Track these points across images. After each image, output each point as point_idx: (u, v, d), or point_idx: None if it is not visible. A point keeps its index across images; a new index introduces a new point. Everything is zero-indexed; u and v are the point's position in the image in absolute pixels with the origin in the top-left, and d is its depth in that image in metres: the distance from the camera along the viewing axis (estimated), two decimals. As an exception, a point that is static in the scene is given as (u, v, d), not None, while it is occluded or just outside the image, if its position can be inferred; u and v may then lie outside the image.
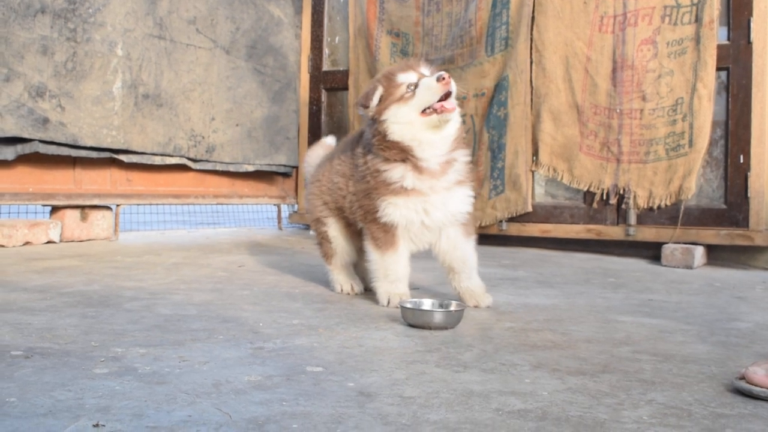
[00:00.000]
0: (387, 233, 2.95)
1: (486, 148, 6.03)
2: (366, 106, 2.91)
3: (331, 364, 2.02)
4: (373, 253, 3.01)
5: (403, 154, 2.87)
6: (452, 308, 2.65)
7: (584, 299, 3.40)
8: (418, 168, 2.87)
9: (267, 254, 4.94)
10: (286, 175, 7.11)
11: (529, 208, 5.84)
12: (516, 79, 5.88)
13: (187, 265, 4.31)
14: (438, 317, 2.56)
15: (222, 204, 6.63)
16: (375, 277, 3.04)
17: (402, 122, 2.85)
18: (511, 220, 5.95)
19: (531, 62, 5.86)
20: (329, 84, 7.08)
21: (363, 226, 3.05)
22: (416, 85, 2.86)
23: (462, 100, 6.13)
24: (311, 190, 3.40)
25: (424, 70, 2.94)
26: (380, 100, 2.90)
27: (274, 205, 7.24)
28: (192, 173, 6.25)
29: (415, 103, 2.84)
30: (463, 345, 2.33)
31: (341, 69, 7.04)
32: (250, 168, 6.58)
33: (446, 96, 2.82)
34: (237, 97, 6.39)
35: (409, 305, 2.64)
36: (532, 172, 5.90)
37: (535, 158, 5.85)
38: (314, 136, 7.03)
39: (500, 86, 5.97)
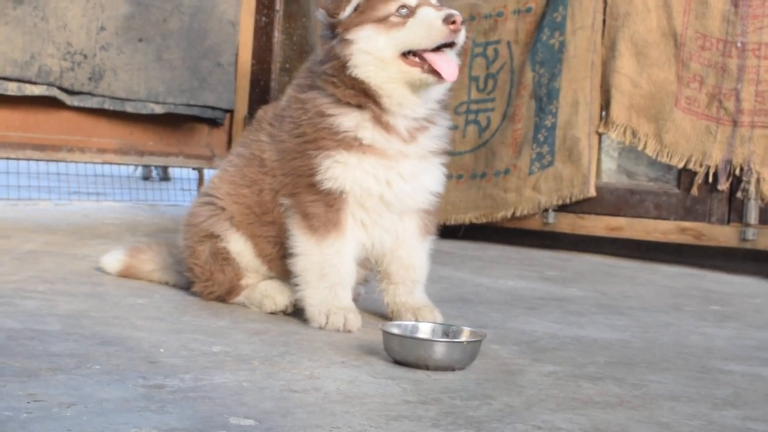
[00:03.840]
0: (329, 208, 3.02)
1: (528, 95, 6.03)
2: (334, 14, 2.97)
3: (269, 416, 2.00)
4: (302, 242, 3.06)
5: (363, 98, 2.98)
6: (463, 337, 2.63)
7: (671, 335, 3.40)
8: (381, 121, 2.99)
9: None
10: (214, 122, 7.08)
11: (592, 192, 5.85)
12: (580, -13, 5.88)
13: (50, 255, 4.27)
14: (441, 350, 2.54)
15: (112, 164, 6.59)
16: (303, 282, 3.09)
17: (372, 56, 2.95)
18: (562, 208, 5.97)
19: (606, -40, 5.85)
20: (289, -17, 7.06)
21: (288, 204, 3.10)
22: (412, 12, 2.93)
23: (495, 18, 6.12)
24: (196, 205, 3.48)
25: None
26: (356, 11, 2.96)
27: (194, 168, 7.21)
28: (66, 112, 6.20)
29: (400, 36, 2.92)
30: (477, 395, 2.31)
31: (309, -40, 7.02)
32: (159, 109, 6.54)
33: (447, 45, 2.92)
34: (142, -3, 6.35)
35: (395, 330, 2.63)
36: (599, 135, 5.91)
37: (604, 114, 5.85)
38: (261, 64, 6.99)
39: (555, -2, 5.96)
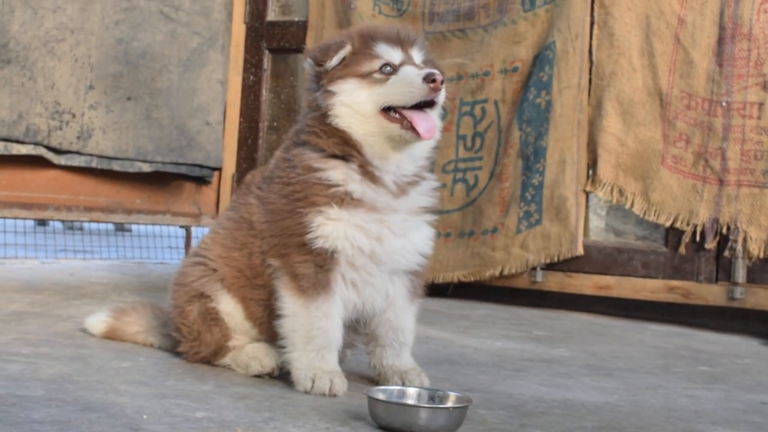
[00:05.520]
0: (319, 268, 3.01)
1: (515, 154, 6.04)
2: (320, 63, 3.03)
3: (250, 487, 1.98)
4: (290, 304, 3.05)
5: (347, 148, 3.01)
6: (449, 403, 2.62)
7: (659, 397, 3.39)
8: (368, 173, 3.02)
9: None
10: (202, 180, 7.09)
11: (580, 250, 5.85)
12: (567, 48, 5.92)
13: (35, 315, 4.25)
14: (426, 416, 2.52)
15: (99, 222, 6.58)
16: (290, 344, 3.07)
17: (353, 109, 3.00)
18: (550, 267, 5.96)
19: (591, 23, 5.90)
20: (276, 42, 7.09)
21: (277, 266, 3.09)
22: (395, 70, 2.99)
23: (482, 78, 6.16)
24: (187, 264, 3.47)
25: (416, 52, 3.07)
26: (341, 63, 3.02)
27: (181, 227, 7.20)
28: (54, 171, 6.21)
29: (381, 92, 2.98)
30: (464, 463, 2.30)
31: (296, 20, 7.07)
32: (147, 168, 6.55)
33: (426, 104, 2.96)
34: (131, 55, 6.37)
35: (381, 395, 2.61)
36: (587, 193, 5.93)
37: (591, 173, 5.87)
38: (249, 122, 7.02)
39: (542, 58, 6.00)
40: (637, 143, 5.74)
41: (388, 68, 2.98)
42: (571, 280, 5.94)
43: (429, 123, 2.95)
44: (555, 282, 5.96)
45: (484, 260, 6.10)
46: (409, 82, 2.93)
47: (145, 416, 2.53)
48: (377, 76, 2.98)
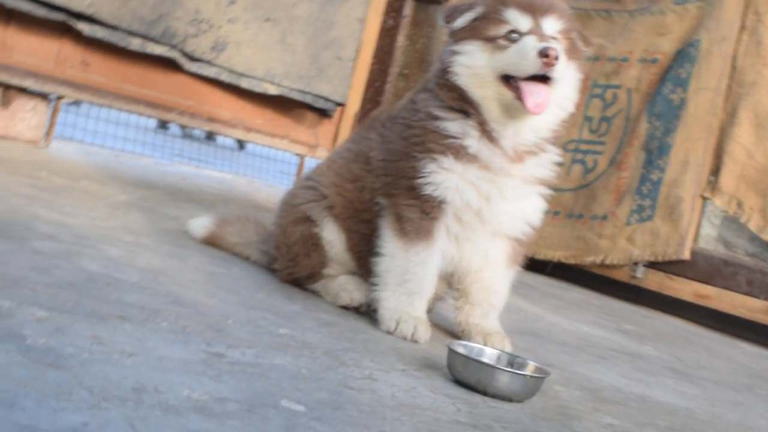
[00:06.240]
0: (424, 215, 3.03)
1: (639, 146, 5.96)
2: (448, 21, 3.04)
3: (319, 406, 2.00)
4: (390, 244, 3.07)
5: (466, 105, 3.00)
6: (527, 371, 2.62)
7: (738, 414, 3.33)
8: (486, 132, 3.00)
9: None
10: (324, 113, 7.12)
11: (686, 255, 5.77)
12: (712, 48, 5.80)
13: (142, 210, 4.35)
14: (503, 379, 2.52)
15: (218, 133, 6.67)
16: (382, 283, 3.10)
17: (472, 71, 2.99)
18: (652, 265, 5.89)
19: (741, 27, 5.76)
20: (423, -10, 7.08)
21: (384, 204, 3.11)
22: (519, 38, 2.93)
23: (620, 63, 6.07)
24: (299, 186, 3.53)
25: (550, 22, 2.99)
26: (469, 24, 3.01)
27: (296, 154, 7.26)
28: (183, 77, 6.29)
29: (500, 59, 2.95)
30: (528, 431, 2.30)
31: (446, -29, 7.04)
32: (273, 90, 6.61)
33: (540, 79, 2.88)
34: (278, -22, 6.42)
35: (461, 350, 2.62)
36: (704, 199, 5.82)
37: (713, 179, 5.77)
38: (381, 65, 7.02)
39: (684, 54, 5.89)
40: (766, 158, 5.61)
41: (515, 35, 2.93)
42: (671, 282, 5.86)
43: (540, 98, 2.88)
44: (654, 281, 5.89)
45: (588, 245, 6.06)
46: (523, 54, 2.89)
47: (230, 321, 2.58)
48: (501, 42, 2.94)
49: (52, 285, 2.43)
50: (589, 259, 6.05)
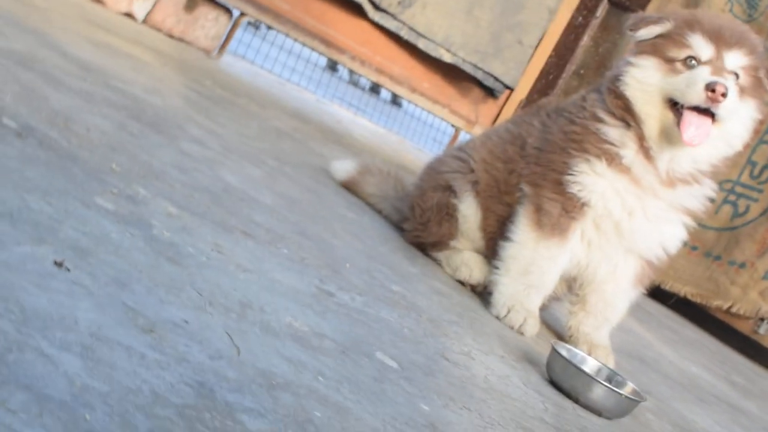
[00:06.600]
0: (564, 212, 3.00)
1: (796, 202, 5.79)
2: (632, 30, 2.99)
3: (412, 367, 2.02)
4: (522, 232, 3.06)
5: (629, 115, 2.95)
6: (624, 390, 2.58)
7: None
8: (643, 147, 2.94)
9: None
10: (491, 92, 7.10)
11: (816, 323, 5.58)
12: None
13: (291, 138, 4.42)
14: (599, 393, 2.49)
15: (383, 86, 6.71)
16: (504, 268, 3.09)
17: (640, 86, 2.93)
18: (780, 325, 5.72)
19: None
20: (620, -5, 6.98)
21: (526, 192, 3.10)
22: (694, 65, 2.85)
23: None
24: (448, 154, 3.54)
25: (734, 56, 2.87)
26: (652, 39, 2.94)
27: (453, 126, 7.27)
28: (364, 24, 6.35)
29: (670, 82, 2.88)
30: (612, 450, 2.28)
31: (648, -18, 6.91)
32: (447, 58, 6.61)
33: (706, 112, 2.80)
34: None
35: (564, 352, 2.59)
36: None
37: None
38: (559, 59, 6.96)
39: None
40: None
41: (693, 62, 2.85)
42: (792, 347, 5.69)
43: (698, 130, 2.81)
44: (776, 342, 5.73)
45: (718, 288, 5.92)
46: (691, 83, 2.81)
47: (348, 265, 2.62)
48: (678, 65, 2.87)
49: (189, 186, 2.50)
50: (715, 302, 5.91)
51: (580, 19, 7.07)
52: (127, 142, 2.61)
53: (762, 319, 5.76)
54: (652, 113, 2.92)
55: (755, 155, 6.04)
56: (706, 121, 2.81)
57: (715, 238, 6.05)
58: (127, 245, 1.81)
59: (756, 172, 6.02)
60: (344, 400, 1.64)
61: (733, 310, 5.82)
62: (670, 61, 2.89)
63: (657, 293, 6.04)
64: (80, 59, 3.38)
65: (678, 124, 2.82)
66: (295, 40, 6.29)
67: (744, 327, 5.86)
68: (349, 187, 3.87)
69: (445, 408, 1.89)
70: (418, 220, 3.43)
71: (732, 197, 6.07)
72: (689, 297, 6.04)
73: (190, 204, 2.34)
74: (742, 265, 5.87)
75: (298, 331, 1.85)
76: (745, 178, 6.05)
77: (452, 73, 6.89)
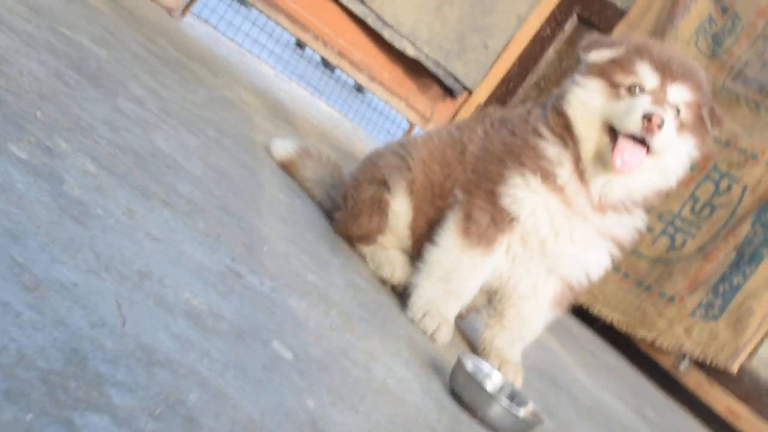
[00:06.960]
0: (492, 223, 2.98)
1: (734, 245, 5.82)
2: (585, 51, 2.98)
3: (308, 360, 1.99)
4: (449, 238, 3.04)
5: (567, 134, 2.94)
6: (522, 411, 2.56)
7: None
8: (578, 169, 2.94)
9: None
10: (450, 92, 7.09)
11: (734, 368, 5.62)
12: None
13: (238, 110, 4.37)
14: (496, 411, 2.47)
15: (342, 70, 6.67)
16: (425, 272, 3.07)
17: (582, 108, 2.92)
18: (698, 364, 5.76)
19: None
20: (588, 13, 7.00)
21: (458, 199, 3.08)
22: (637, 94, 2.85)
23: (747, 158, 5.94)
24: (389, 149, 3.51)
25: (678, 89, 2.87)
26: (603, 62, 2.93)
27: (408, 120, 7.25)
28: (330, 4, 6.31)
29: (610, 107, 2.88)
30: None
31: (618, 5, 6.94)
32: (410, 51, 6.60)
33: (638, 140, 2.80)
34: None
35: (469, 365, 2.57)
36: (775, 325, 5.68)
37: (791, 307, 5.62)
38: (521, 68, 6.96)
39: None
40: None
41: (637, 90, 2.86)
42: (709, 387, 5.73)
43: (630, 158, 2.80)
44: (694, 380, 5.77)
45: (645, 319, 5.96)
46: (629, 110, 2.81)
47: (265, 248, 2.58)
48: (622, 91, 2.87)
49: (115, 145, 2.44)
50: (641, 332, 5.94)
51: (548, 30, 7.08)
52: (59, 92, 2.54)
53: (684, 356, 5.80)
54: (590, 136, 2.91)
55: (698, 191, 6.08)
56: (640, 150, 2.80)
57: (649, 268, 6.09)
58: (31, 197, 1.75)
59: (697, 207, 6.06)
60: (225, 385, 1.60)
61: (657, 342, 5.86)
62: (615, 86, 2.89)
63: (584, 315, 6.07)
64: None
65: (613, 149, 2.82)
66: (261, 11, 6.23)
67: (665, 362, 5.90)
68: (286, 167, 3.83)
69: (332, 406, 1.85)
70: (349, 211, 3.40)
71: (671, 229, 6.10)
72: (615, 324, 6.08)
73: (112, 164, 2.27)
74: (672, 299, 5.90)
75: (194, 309, 1.81)
76: (686, 212, 6.09)
77: (414, 67, 6.88)
